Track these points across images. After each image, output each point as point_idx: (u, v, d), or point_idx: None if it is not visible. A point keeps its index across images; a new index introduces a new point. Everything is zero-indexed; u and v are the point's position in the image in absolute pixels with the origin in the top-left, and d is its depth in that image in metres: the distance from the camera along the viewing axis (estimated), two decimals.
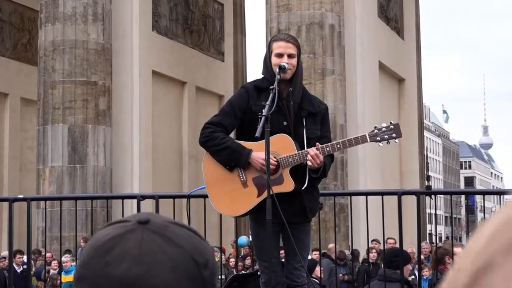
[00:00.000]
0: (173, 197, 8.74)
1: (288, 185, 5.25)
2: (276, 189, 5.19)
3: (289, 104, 5.33)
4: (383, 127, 5.34)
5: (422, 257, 15.66)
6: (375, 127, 5.51)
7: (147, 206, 9.45)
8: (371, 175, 18.59)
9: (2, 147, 24.02)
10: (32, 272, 13.28)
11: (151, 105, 19.90)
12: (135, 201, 8.12)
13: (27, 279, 10.39)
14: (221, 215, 7.98)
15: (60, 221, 8.72)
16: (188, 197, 7.21)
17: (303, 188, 5.26)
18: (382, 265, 8.11)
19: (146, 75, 19.75)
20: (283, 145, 5.26)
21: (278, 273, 5.40)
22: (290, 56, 5.32)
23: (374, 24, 20.03)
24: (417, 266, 11.39)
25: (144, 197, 8.26)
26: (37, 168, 18.60)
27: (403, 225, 7.97)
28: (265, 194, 5.17)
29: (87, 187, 17.95)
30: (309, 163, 5.21)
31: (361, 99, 18.57)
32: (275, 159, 5.26)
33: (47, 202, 11.14)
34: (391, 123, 5.45)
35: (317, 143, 5.30)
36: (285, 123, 5.29)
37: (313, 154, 5.19)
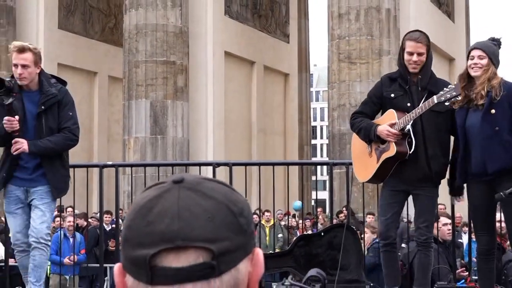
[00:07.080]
0: (245, 164, 8.79)
1: (392, 150, 5.71)
2: (385, 155, 5.74)
3: (416, 89, 5.84)
4: (446, 89, 5.63)
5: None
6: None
7: (222, 172, 9.47)
8: None
9: (92, 120, 24.32)
10: (120, 230, 13.51)
11: (223, 83, 19.92)
12: (210, 168, 8.13)
13: (115, 236, 10.59)
14: (288, 181, 8.01)
15: (145, 185, 8.83)
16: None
17: (410, 152, 5.70)
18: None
19: (219, 55, 19.77)
20: (388, 117, 5.80)
21: (391, 229, 5.85)
22: (419, 54, 5.82)
23: (427, 8, 19.68)
24: (466, 229, 11.21)
25: (219, 164, 8.27)
26: (123, 138, 18.83)
27: None
28: (381, 159, 5.76)
29: (167, 155, 18.10)
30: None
31: None
32: (396, 130, 5.71)
33: (133, 168, 11.25)
34: (453, 84, 5.77)
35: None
36: (408, 104, 5.79)
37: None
